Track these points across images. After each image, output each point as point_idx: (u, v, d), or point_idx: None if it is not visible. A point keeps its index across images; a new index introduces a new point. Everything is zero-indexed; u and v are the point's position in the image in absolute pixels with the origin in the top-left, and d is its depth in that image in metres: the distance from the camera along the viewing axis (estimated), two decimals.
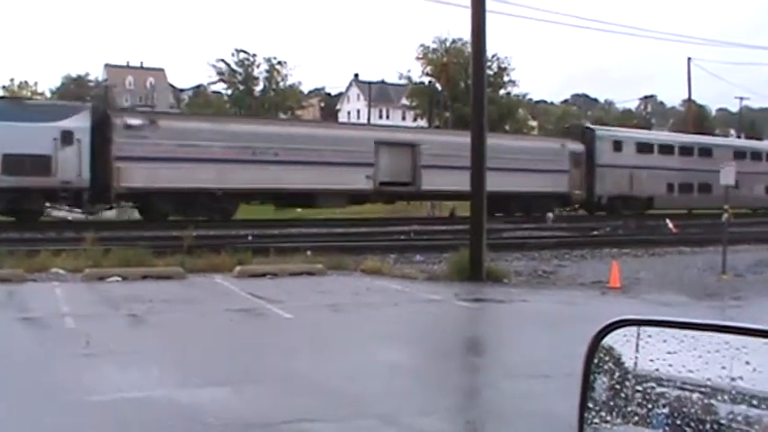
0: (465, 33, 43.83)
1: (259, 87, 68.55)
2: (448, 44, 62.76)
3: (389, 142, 36.28)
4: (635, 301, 13.43)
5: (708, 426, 1.59)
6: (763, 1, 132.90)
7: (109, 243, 17.54)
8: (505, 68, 63.28)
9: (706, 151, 46.87)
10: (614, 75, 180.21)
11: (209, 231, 23.89)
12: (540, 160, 38.57)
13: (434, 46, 63.76)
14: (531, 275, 17.06)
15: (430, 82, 64.85)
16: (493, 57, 58.29)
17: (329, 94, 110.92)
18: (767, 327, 1.59)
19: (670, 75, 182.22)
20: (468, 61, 24.47)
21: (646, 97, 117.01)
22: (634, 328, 1.75)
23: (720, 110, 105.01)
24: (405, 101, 76.96)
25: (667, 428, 1.65)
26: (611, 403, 1.73)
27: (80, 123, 29.07)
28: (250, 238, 22.92)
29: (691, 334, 1.69)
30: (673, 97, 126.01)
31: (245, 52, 67.80)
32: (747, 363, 1.59)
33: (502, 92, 63.68)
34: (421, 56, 64.13)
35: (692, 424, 1.61)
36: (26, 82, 79.36)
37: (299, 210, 36.65)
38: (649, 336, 1.73)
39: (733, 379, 1.60)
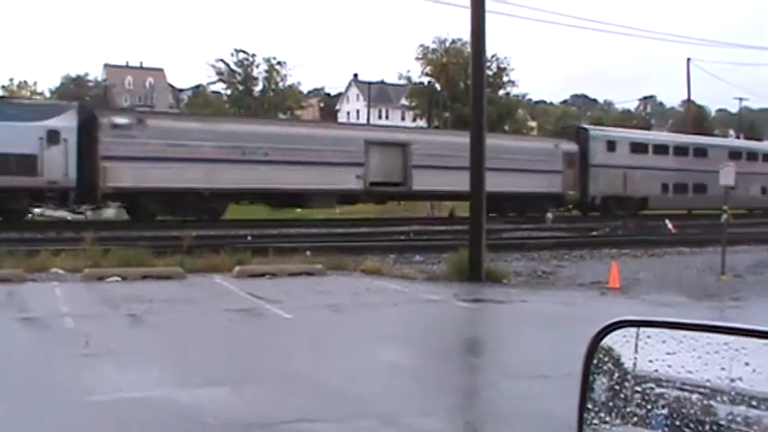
0: (464, 33, 43.84)
1: (258, 87, 68.54)
2: (447, 44, 62.79)
3: (380, 142, 36.09)
4: (634, 302, 13.44)
5: (707, 426, 1.60)
6: (763, 1, 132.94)
7: (108, 243, 17.53)
8: (505, 69, 63.29)
9: (701, 151, 46.75)
10: (614, 75, 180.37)
11: (208, 231, 23.89)
12: (534, 160, 38.33)
13: (434, 46, 63.81)
14: (531, 276, 17.07)
15: (429, 82, 64.85)
16: (492, 57, 58.32)
17: (329, 95, 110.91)
18: (766, 328, 1.59)
19: (669, 75, 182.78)
20: (468, 61, 24.48)
21: (645, 98, 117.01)
22: (633, 329, 1.75)
23: (720, 110, 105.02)
24: (404, 101, 76.96)
25: (666, 429, 1.65)
26: (611, 404, 1.73)
27: (66, 123, 28.91)
28: (249, 238, 22.91)
29: (690, 335, 1.69)
30: (672, 98, 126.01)
31: (244, 52, 67.86)
32: (747, 364, 1.59)
33: (501, 92, 63.68)
34: (420, 56, 64.17)
35: (692, 425, 1.61)
36: (25, 82, 79.39)
37: (298, 210, 36.60)
38: (648, 336, 1.73)
39: (732, 380, 1.60)
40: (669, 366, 1.69)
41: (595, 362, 1.76)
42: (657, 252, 22.54)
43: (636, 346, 1.73)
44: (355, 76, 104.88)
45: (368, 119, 78.32)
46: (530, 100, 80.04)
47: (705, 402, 1.63)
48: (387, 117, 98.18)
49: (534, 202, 38.21)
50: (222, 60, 67.13)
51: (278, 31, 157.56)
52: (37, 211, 32.17)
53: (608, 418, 1.72)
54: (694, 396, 1.65)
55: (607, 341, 1.75)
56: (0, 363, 8.34)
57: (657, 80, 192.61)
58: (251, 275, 15.35)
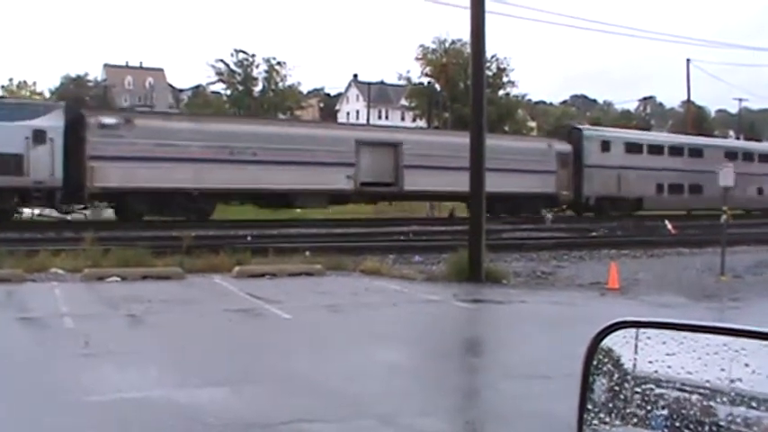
0: (464, 34, 43.83)
1: (258, 88, 68.47)
2: (447, 45, 62.77)
3: (371, 142, 35.91)
4: (634, 303, 13.44)
5: (707, 427, 1.60)
6: (762, 2, 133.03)
7: (108, 243, 17.53)
8: (505, 69, 63.27)
9: (696, 152, 46.60)
10: (613, 76, 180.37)
11: (207, 232, 23.90)
12: (527, 161, 38.01)
13: (434, 46, 63.77)
14: (530, 276, 17.07)
15: (429, 82, 64.83)
16: (492, 57, 58.29)
17: (328, 95, 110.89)
18: (766, 329, 1.59)
19: (669, 76, 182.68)
20: (468, 62, 24.48)
21: (645, 98, 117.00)
22: (633, 330, 1.75)
23: (719, 111, 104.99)
24: (404, 101, 76.93)
25: (666, 430, 1.66)
26: (611, 405, 1.73)
27: (53, 122, 28.78)
28: (249, 238, 22.91)
29: (690, 336, 1.69)
30: (672, 98, 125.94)
31: (244, 52, 67.80)
32: (746, 365, 1.59)
33: (501, 92, 63.65)
34: (420, 56, 64.14)
35: (691, 425, 1.62)
36: (25, 82, 79.38)
37: (297, 210, 36.55)
38: (648, 337, 1.73)
39: (732, 381, 1.61)
40: (669, 367, 1.69)
41: (595, 362, 1.76)
42: (657, 253, 22.54)
43: (636, 346, 1.74)
44: (355, 76, 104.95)
45: (368, 119, 78.33)
46: (529, 100, 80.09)
47: (705, 403, 1.63)
48: (387, 117, 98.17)
49: (527, 202, 37.96)
50: (222, 60, 67.14)
51: (278, 32, 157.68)
52: (36, 211, 32.12)
53: (608, 419, 1.72)
54: (694, 397, 1.65)
55: (607, 342, 1.75)
56: (0, 363, 8.34)
57: (657, 81, 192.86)
58: (250, 276, 15.35)
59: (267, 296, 12.99)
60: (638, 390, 1.71)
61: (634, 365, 1.74)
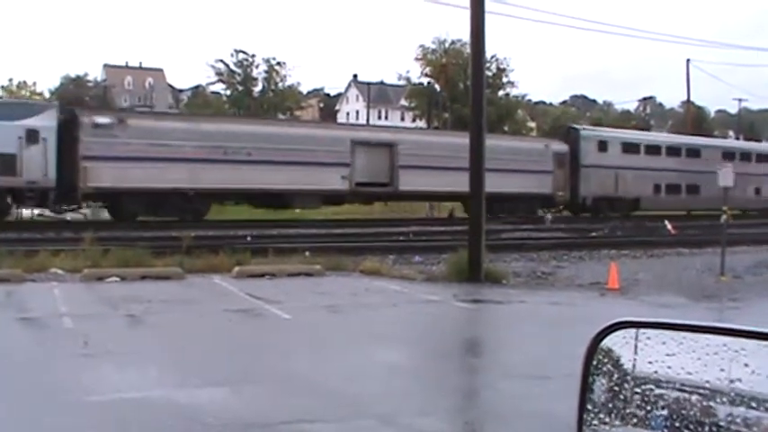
0: (464, 34, 43.80)
1: (258, 88, 68.45)
2: (447, 45, 62.76)
3: (366, 142, 35.71)
4: (633, 303, 13.45)
5: (707, 428, 1.60)
6: (762, 2, 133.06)
7: (107, 243, 17.52)
8: (504, 69, 63.25)
9: (694, 152, 46.47)
10: (613, 76, 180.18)
11: (207, 232, 23.89)
12: (523, 161, 37.70)
13: (433, 47, 63.75)
14: (530, 276, 17.07)
15: (429, 83, 64.82)
16: (492, 58, 58.28)
17: (328, 95, 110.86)
18: (765, 329, 1.59)
19: (669, 76, 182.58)
20: (468, 62, 24.47)
21: (645, 98, 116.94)
22: (633, 330, 1.75)
23: (719, 111, 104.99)
24: (404, 102, 76.90)
25: (666, 430, 1.66)
26: (610, 405, 1.73)
27: (46, 122, 28.64)
28: (249, 238, 22.91)
29: (689, 336, 1.69)
30: (672, 98, 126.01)
31: (244, 53, 67.78)
32: (746, 365, 1.59)
33: (501, 93, 63.63)
34: (420, 57, 64.12)
35: (691, 426, 1.61)
36: (25, 82, 79.25)
37: (297, 210, 36.52)
38: (648, 338, 1.73)
39: (732, 381, 1.60)
40: (669, 367, 1.69)
41: (595, 363, 1.76)
42: (657, 253, 22.55)
43: (635, 347, 1.74)
44: (355, 76, 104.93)
45: (367, 119, 78.32)
46: (529, 101, 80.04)
47: (705, 403, 1.63)
48: (386, 118, 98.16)
49: (523, 202, 37.65)
50: (222, 61, 67.11)
51: (277, 32, 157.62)
52: (36, 211, 32.07)
53: (607, 419, 1.72)
54: (694, 397, 1.65)
55: (607, 342, 1.75)
56: (0, 363, 8.35)
57: (657, 81, 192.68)
58: (250, 276, 15.35)
59: (267, 296, 12.99)
60: (637, 390, 1.71)
61: (634, 366, 1.74)
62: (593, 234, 29.15)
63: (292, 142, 32.72)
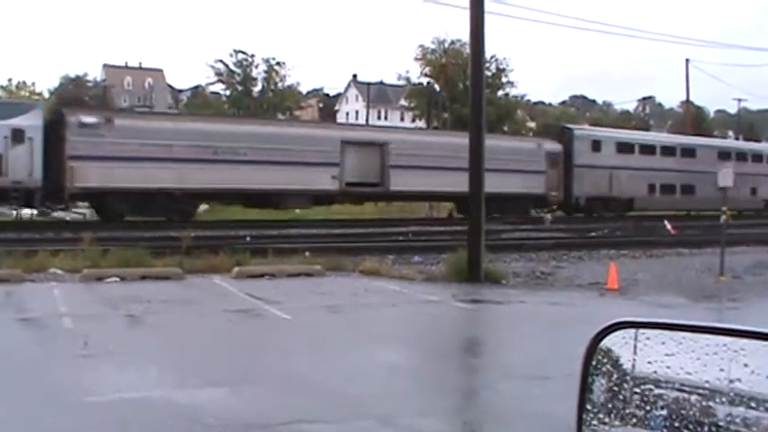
0: (464, 34, 43.71)
1: (257, 88, 68.44)
2: (446, 45, 62.72)
3: (356, 141, 35.48)
4: (633, 303, 13.45)
5: (706, 428, 1.60)
6: (762, 2, 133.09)
7: (107, 243, 17.52)
8: (504, 69, 63.21)
9: (689, 152, 46.35)
10: (613, 76, 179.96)
11: (207, 232, 23.89)
12: (515, 160, 37.11)
13: (433, 47, 63.70)
14: (529, 276, 17.07)
15: (428, 83, 64.79)
16: (491, 58, 58.24)
17: (328, 95, 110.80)
18: (765, 329, 1.59)
19: (668, 76, 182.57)
20: (467, 62, 24.48)
21: (644, 98, 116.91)
22: (632, 331, 1.75)
23: (718, 111, 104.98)
24: (403, 102, 76.85)
25: (665, 430, 1.66)
26: (610, 405, 1.73)
27: (32, 121, 28.46)
28: (248, 238, 22.91)
29: (689, 336, 1.69)
30: (671, 98, 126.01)
31: (243, 53, 67.77)
32: (745, 365, 1.59)
33: (500, 93, 63.58)
34: (419, 57, 64.07)
35: (691, 426, 1.62)
36: (24, 82, 79.24)
37: (297, 210, 36.48)
38: (647, 338, 1.73)
39: (731, 381, 1.61)
40: (668, 367, 1.69)
41: (594, 363, 1.76)
42: (656, 253, 22.55)
43: (635, 347, 1.74)
44: (354, 76, 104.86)
45: (367, 119, 78.28)
46: (529, 101, 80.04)
47: (704, 403, 1.63)
48: (386, 118, 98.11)
49: (516, 202, 37.07)
50: (221, 61, 67.10)
51: (277, 32, 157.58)
52: (35, 211, 32.03)
53: (607, 419, 1.72)
54: (693, 397, 1.65)
55: (606, 342, 1.75)
56: None
57: (657, 81, 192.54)
58: (250, 276, 15.35)
59: (266, 297, 12.99)
60: (637, 390, 1.71)
61: (633, 366, 1.74)
62: (593, 234, 29.16)
63: (281, 142, 32.48)
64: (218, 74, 67.34)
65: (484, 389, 8.21)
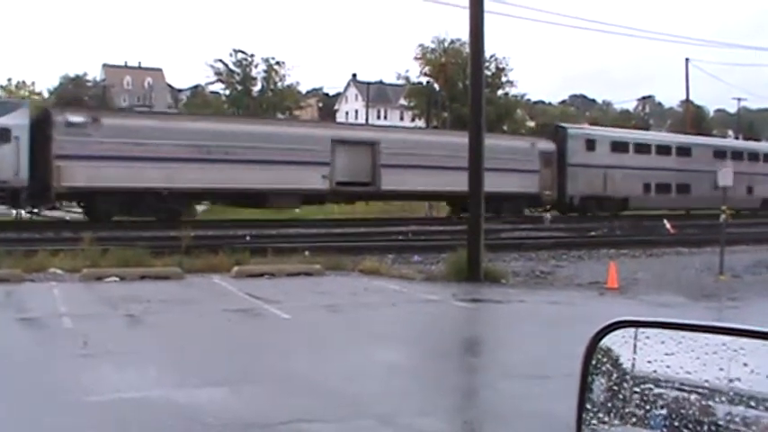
0: (463, 34, 43.67)
1: (257, 88, 68.45)
2: (446, 44, 62.71)
3: (347, 141, 35.21)
4: (633, 302, 13.45)
5: (706, 427, 1.60)
6: (761, 2, 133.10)
7: (107, 243, 17.52)
8: (503, 69, 63.21)
9: (684, 151, 46.20)
10: (612, 75, 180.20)
11: (206, 232, 23.89)
12: (508, 159, 36.23)
13: (433, 46, 63.69)
14: (529, 276, 17.07)
15: (428, 82, 64.79)
16: (491, 57, 58.25)
17: (327, 95, 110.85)
18: (765, 328, 1.59)
19: (668, 75, 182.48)
20: (467, 61, 24.47)
21: (644, 98, 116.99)
22: (632, 330, 1.75)
23: (718, 110, 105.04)
24: (403, 101, 76.86)
25: (665, 429, 1.66)
26: (609, 404, 1.73)
27: (18, 120, 28.26)
28: (248, 238, 22.91)
29: (688, 335, 1.69)
30: (671, 98, 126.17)
31: (243, 52, 67.79)
32: (745, 364, 1.59)
33: (500, 92, 63.58)
34: (419, 56, 64.06)
35: (690, 425, 1.62)
36: (24, 82, 79.29)
37: (297, 210, 36.44)
38: (647, 337, 1.73)
39: (731, 380, 1.61)
40: (668, 367, 1.69)
41: (594, 362, 1.76)
42: (656, 252, 22.55)
43: (635, 346, 1.74)
44: (354, 76, 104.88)
45: (366, 119, 78.27)
46: (528, 100, 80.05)
47: (704, 403, 1.63)
48: (385, 117, 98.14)
49: (509, 202, 36.62)
50: (221, 60, 67.12)
51: (276, 32, 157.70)
52: (35, 211, 31.98)
53: (607, 419, 1.72)
54: (693, 396, 1.65)
55: (606, 341, 1.75)
56: None
57: (656, 80, 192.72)
58: (249, 275, 15.34)
59: (266, 296, 12.99)
60: (636, 389, 1.71)
61: (633, 365, 1.74)
62: (592, 233, 29.16)
63: (270, 141, 32.23)
64: (218, 73, 67.36)
65: (484, 388, 8.21)
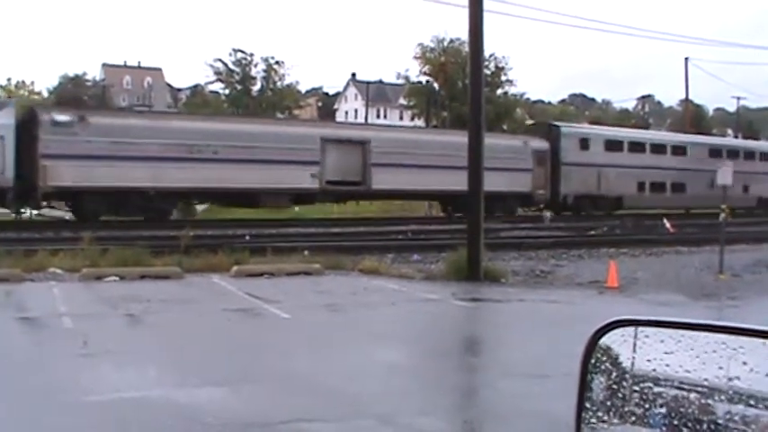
0: (463, 33, 43.72)
1: (256, 87, 68.51)
2: (446, 44, 62.72)
3: (337, 139, 35.00)
4: (632, 301, 13.45)
5: (705, 425, 1.60)
6: (761, 1, 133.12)
7: (106, 243, 17.52)
8: (503, 68, 63.23)
9: (679, 149, 46.05)
10: (612, 74, 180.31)
11: (206, 231, 23.89)
12: (500, 158, 34.91)
13: (432, 45, 63.72)
14: (529, 275, 17.07)
15: (427, 81, 64.80)
16: (490, 56, 58.27)
17: (327, 94, 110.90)
18: (764, 327, 1.59)
19: (668, 74, 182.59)
20: (466, 61, 24.48)
21: (643, 97, 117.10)
22: (631, 328, 1.75)
23: (718, 109, 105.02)
24: (402, 100, 76.88)
25: (665, 428, 1.66)
26: (609, 403, 1.73)
27: (3, 120, 27.99)
28: (247, 237, 22.90)
29: (688, 334, 1.69)
30: (670, 97, 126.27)
31: (242, 52, 67.86)
32: (744, 363, 1.59)
33: (499, 91, 63.59)
34: (419, 55, 64.08)
35: (690, 424, 1.62)
36: (23, 81, 79.36)
37: (296, 208, 36.40)
38: (646, 336, 1.73)
39: (730, 379, 1.61)
40: (667, 365, 1.69)
41: (593, 361, 1.76)
42: (655, 251, 22.56)
43: (634, 345, 1.74)
44: (353, 75, 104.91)
45: (366, 118, 78.28)
46: (528, 99, 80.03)
47: (703, 401, 1.63)
48: (385, 116, 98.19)
49: (501, 201, 35.69)
50: (220, 60, 67.20)
51: (276, 31, 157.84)
52: (35, 211, 31.94)
53: (606, 417, 1.72)
54: (692, 395, 1.65)
55: (605, 340, 1.75)
56: None
57: (656, 79, 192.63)
58: (249, 275, 15.34)
59: (266, 296, 12.99)
60: (636, 388, 1.71)
61: (632, 364, 1.74)
62: (592, 232, 29.17)
63: (260, 140, 32.02)
64: (218, 73, 67.43)
65: (483, 387, 8.21)
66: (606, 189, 41.61)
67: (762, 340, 1.58)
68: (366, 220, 33.72)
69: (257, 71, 68.15)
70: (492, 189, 34.79)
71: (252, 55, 67.74)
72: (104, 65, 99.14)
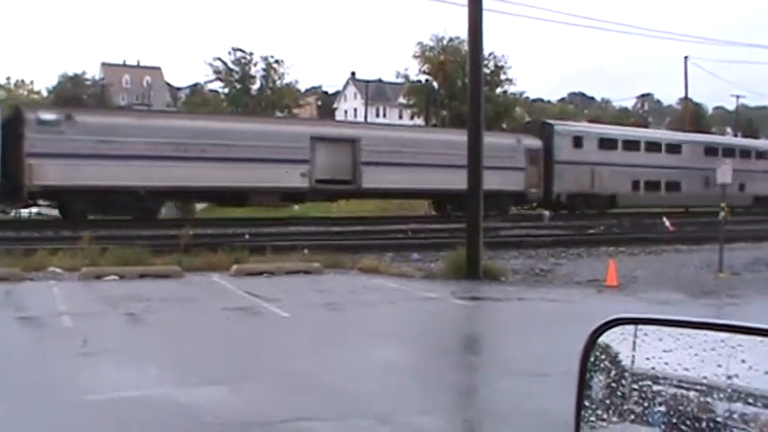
0: (462, 32, 43.75)
1: (256, 86, 68.53)
2: (445, 42, 62.81)
3: (327, 138, 34.81)
4: (632, 300, 13.45)
5: (704, 424, 1.60)
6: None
7: (106, 242, 17.53)
8: (502, 67, 63.32)
9: (674, 147, 45.90)
10: (611, 73, 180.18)
11: (206, 230, 23.89)
12: (493, 156, 35.15)
13: (432, 44, 63.82)
14: (528, 274, 17.08)
15: (427, 80, 64.86)
16: (490, 55, 58.37)
17: (326, 93, 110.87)
18: (763, 325, 1.59)
19: (667, 73, 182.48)
20: (465, 60, 24.48)
21: (642, 95, 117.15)
22: (630, 327, 1.75)
23: (717, 108, 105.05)
24: (402, 99, 76.94)
25: (664, 426, 1.66)
26: (608, 401, 1.73)
27: None
28: (247, 236, 22.90)
29: (687, 332, 1.69)
30: (669, 95, 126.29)
31: (241, 51, 67.90)
32: (743, 361, 1.59)
33: (499, 90, 63.68)
34: (418, 54, 64.19)
35: (689, 422, 1.62)
36: (23, 81, 79.40)
37: (296, 207, 36.35)
38: (645, 334, 1.73)
39: (729, 377, 1.61)
40: (666, 364, 1.69)
41: (592, 359, 1.76)
42: (655, 250, 22.58)
43: (633, 343, 1.74)
44: (353, 74, 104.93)
45: (365, 117, 78.29)
46: (527, 98, 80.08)
47: (702, 399, 1.63)
48: (384, 115, 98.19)
49: (494, 200, 34.26)
50: (220, 59, 67.21)
51: (275, 30, 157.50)
52: (34, 210, 31.89)
53: (605, 416, 1.72)
54: (692, 393, 1.65)
55: (604, 339, 1.75)
56: None
57: (655, 78, 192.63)
58: (248, 274, 15.35)
59: (265, 294, 12.99)
60: (635, 386, 1.71)
61: (631, 362, 1.74)
62: (592, 231, 29.18)
63: (249, 138, 31.82)
64: (217, 72, 67.45)
65: (483, 386, 8.21)
66: (600, 187, 41.44)
67: (761, 338, 1.58)
68: (365, 219, 33.69)
69: (257, 70, 68.23)
70: (485, 188, 34.92)
71: (251, 54, 67.85)
72: (104, 64, 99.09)
